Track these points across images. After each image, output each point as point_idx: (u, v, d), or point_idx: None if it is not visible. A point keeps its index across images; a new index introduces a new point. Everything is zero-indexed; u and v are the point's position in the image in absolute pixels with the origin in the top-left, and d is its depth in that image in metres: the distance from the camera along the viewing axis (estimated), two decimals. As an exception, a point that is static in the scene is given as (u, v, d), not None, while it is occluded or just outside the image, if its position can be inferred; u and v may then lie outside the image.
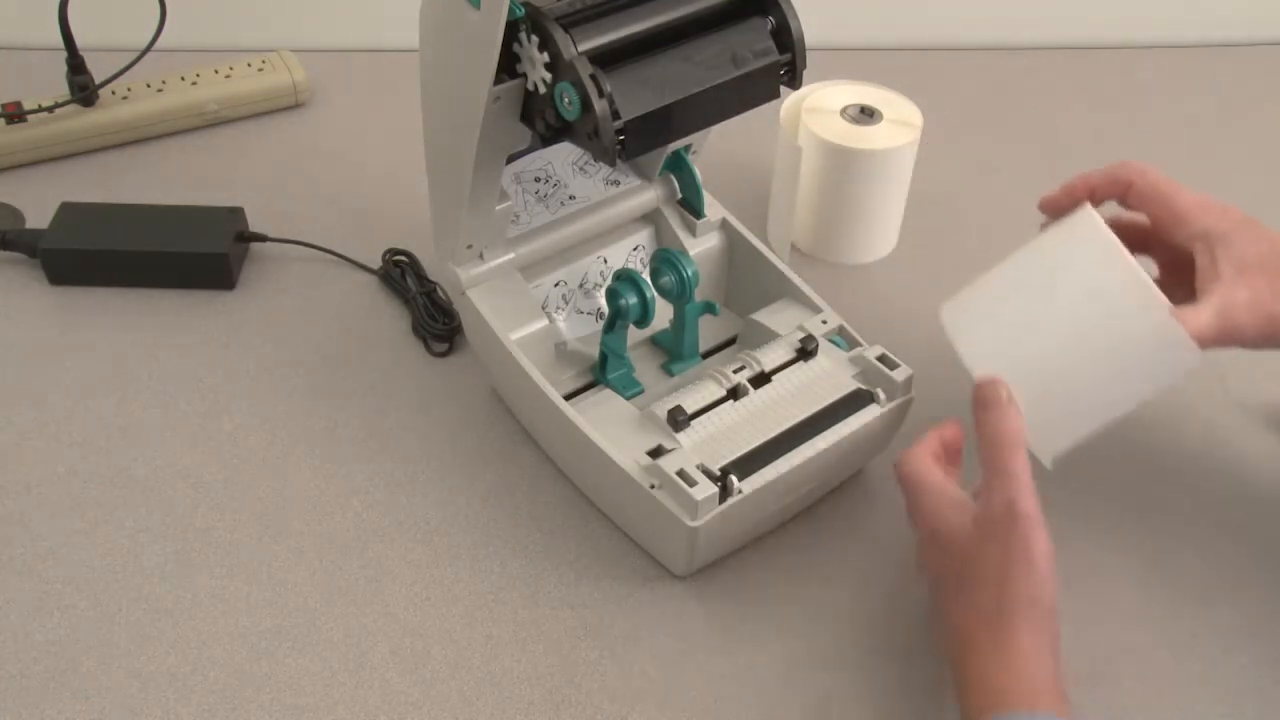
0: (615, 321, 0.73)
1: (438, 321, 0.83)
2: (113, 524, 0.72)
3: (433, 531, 0.72)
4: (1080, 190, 0.67)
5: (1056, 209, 0.68)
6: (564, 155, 0.79)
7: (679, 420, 0.68)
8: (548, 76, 0.60)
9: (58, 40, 0.93)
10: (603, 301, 0.78)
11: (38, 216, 0.90)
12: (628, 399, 0.72)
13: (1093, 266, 0.63)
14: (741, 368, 0.71)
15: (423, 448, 0.76)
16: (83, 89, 0.96)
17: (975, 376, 0.62)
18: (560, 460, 0.75)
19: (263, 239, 0.89)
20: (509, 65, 0.62)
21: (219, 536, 0.71)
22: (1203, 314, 0.62)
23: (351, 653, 0.66)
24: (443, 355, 0.83)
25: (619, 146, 0.60)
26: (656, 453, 0.66)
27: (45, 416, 0.78)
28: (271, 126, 1.03)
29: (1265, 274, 0.63)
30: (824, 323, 0.75)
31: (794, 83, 0.66)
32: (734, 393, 0.70)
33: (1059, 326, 0.63)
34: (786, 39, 0.64)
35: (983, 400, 0.61)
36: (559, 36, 0.59)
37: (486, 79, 0.61)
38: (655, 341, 0.79)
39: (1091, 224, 0.64)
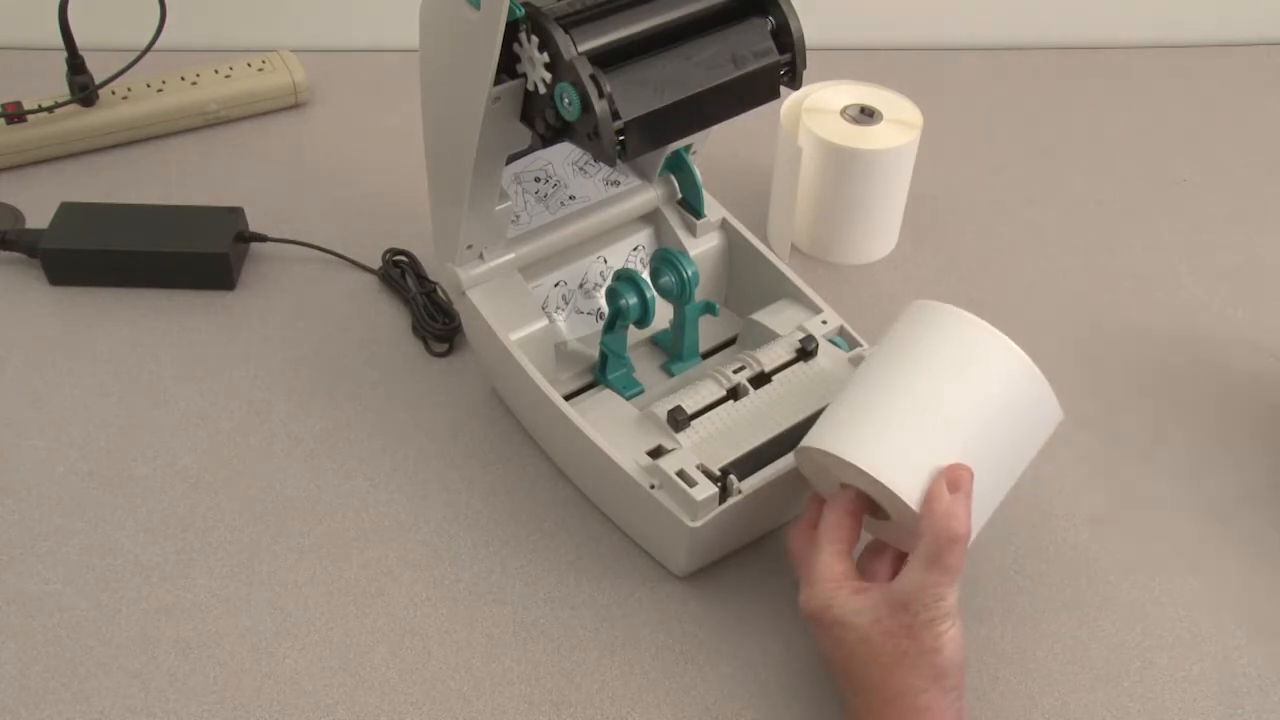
0: (615, 322, 0.73)
1: (438, 321, 0.83)
2: (113, 524, 0.72)
3: (433, 531, 0.72)
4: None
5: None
6: (564, 155, 0.79)
7: (679, 420, 0.68)
8: (548, 77, 0.60)
9: (58, 40, 0.93)
10: (603, 302, 0.78)
11: (38, 216, 0.90)
12: (628, 399, 0.72)
13: (962, 349, 0.62)
14: (741, 368, 0.71)
15: (423, 448, 0.76)
16: (83, 89, 0.96)
17: (893, 487, 0.59)
18: (560, 460, 0.75)
19: (263, 239, 0.89)
20: (509, 65, 0.62)
21: (219, 536, 0.71)
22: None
23: (351, 653, 0.66)
24: (443, 355, 0.83)
25: (619, 147, 0.60)
26: (656, 453, 0.66)
27: (45, 416, 0.78)
28: (271, 126, 1.03)
29: None
30: (824, 323, 0.75)
31: (794, 83, 0.66)
32: (734, 393, 0.70)
33: (953, 416, 0.61)
34: (786, 39, 0.64)
35: (954, 482, 0.58)
36: (559, 37, 0.59)
37: (486, 79, 0.61)
38: (655, 341, 0.79)
39: (933, 308, 0.63)
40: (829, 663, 0.62)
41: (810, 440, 0.63)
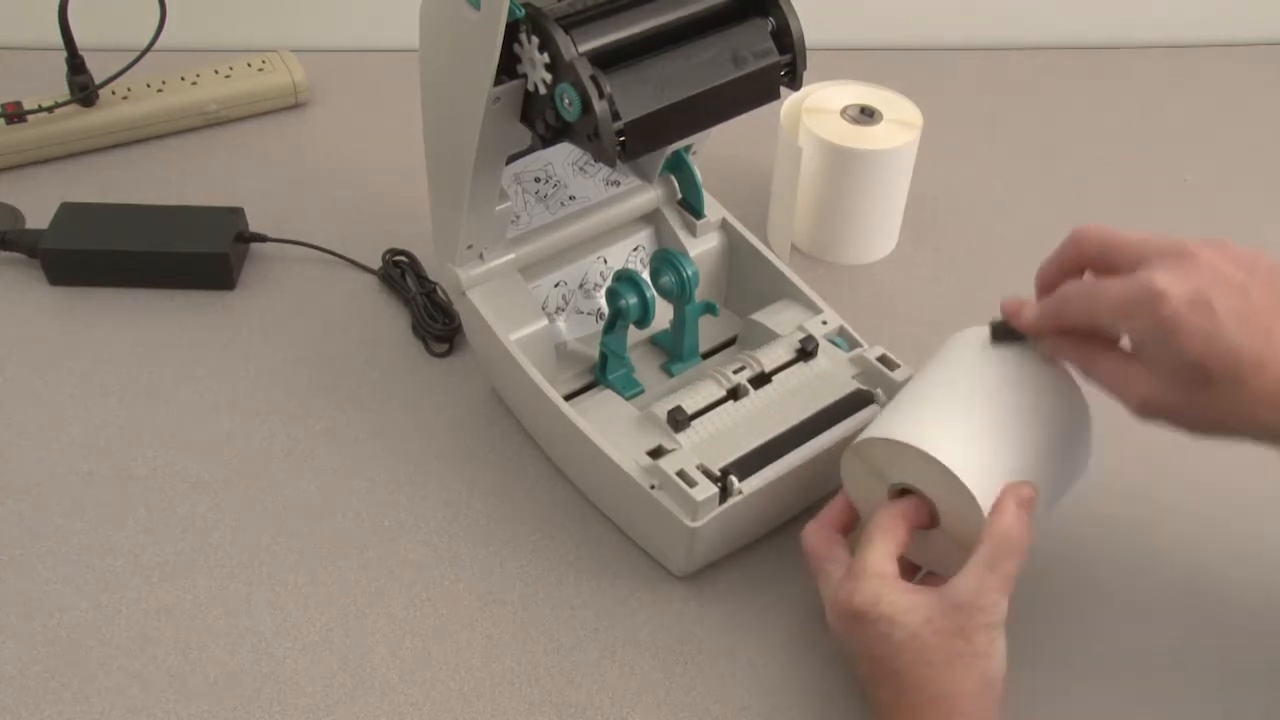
0: (615, 322, 0.73)
1: (438, 321, 0.83)
2: (113, 524, 0.72)
3: (433, 531, 0.72)
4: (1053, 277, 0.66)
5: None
6: (564, 155, 0.79)
7: (679, 420, 0.68)
8: (548, 77, 0.60)
9: (58, 40, 0.93)
10: (603, 302, 0.78)
11: (38, 216, 0.90)
12: (628, 399, 0.72)
13: (1044, 379, 0.63)
14: (741, 368, 0.71)
15: (423, 448, 0.76)
16: (83, 89, 0.96)
17: (972, 488, 0.59)
18: (560, 460, 0.75)
19: (263, 239, 0.89)
20: (509, 66, 0.62)
21: (219, 536, 0.71)
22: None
23: (351, 653, 0.66)
24: (443, 355, 0.83)
25: (619, 147, 0.60)
26: (656, 453, 0.66)
27: (45, 416, 0.78)
28: (271, 126, 1.03)
29: None
30: (824, 323, 0.75)
31: (794, 83, 0.66)
32: (734, 393, 0.70)
33: (1027, 439, 0.62)
34: (787, 39, 0.64)
35: (1022, 499, 0.59)
36: (559, 37, 0.59)
37: (486, 80, 0.61)
38: (655, 341, 0.79)
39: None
40: (863, 660, 0.61)
41: (883, 432, 0.62)
